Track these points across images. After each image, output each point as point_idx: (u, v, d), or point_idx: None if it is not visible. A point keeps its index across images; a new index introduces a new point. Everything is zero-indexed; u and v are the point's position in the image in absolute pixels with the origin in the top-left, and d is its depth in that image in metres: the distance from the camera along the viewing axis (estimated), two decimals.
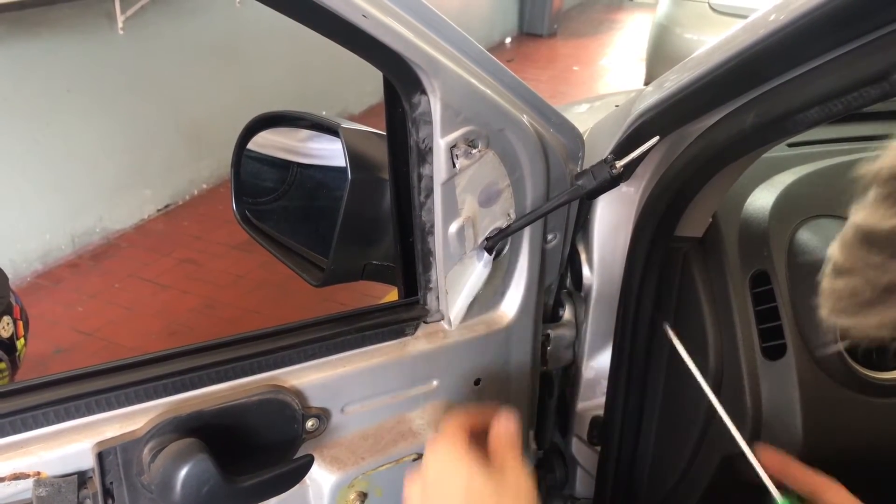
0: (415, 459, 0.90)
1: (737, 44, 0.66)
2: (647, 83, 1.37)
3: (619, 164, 0.80)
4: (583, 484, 1.17)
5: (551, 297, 1.04)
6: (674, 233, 0.93)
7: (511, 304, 0.95)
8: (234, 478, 0.72)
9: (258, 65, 4.60)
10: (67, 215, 3.75)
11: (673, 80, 0.78)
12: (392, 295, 1.00)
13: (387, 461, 0.88)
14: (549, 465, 1.17)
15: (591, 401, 1.09)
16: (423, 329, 0.91)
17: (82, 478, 0.74)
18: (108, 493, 0.74)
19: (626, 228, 0.97)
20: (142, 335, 3.24)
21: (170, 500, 0.70)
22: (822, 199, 1.00)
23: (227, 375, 0.80)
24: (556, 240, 0.96)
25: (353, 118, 3.27)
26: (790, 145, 1.15)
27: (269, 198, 1.17)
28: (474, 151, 0.81)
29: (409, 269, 0.92)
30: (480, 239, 0.88)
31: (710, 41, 0.73)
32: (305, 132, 1.14)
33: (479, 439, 0.70)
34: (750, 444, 0.85)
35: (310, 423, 0.84)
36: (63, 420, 0.73)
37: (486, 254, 0.89)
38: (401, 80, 0.77)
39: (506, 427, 0.71)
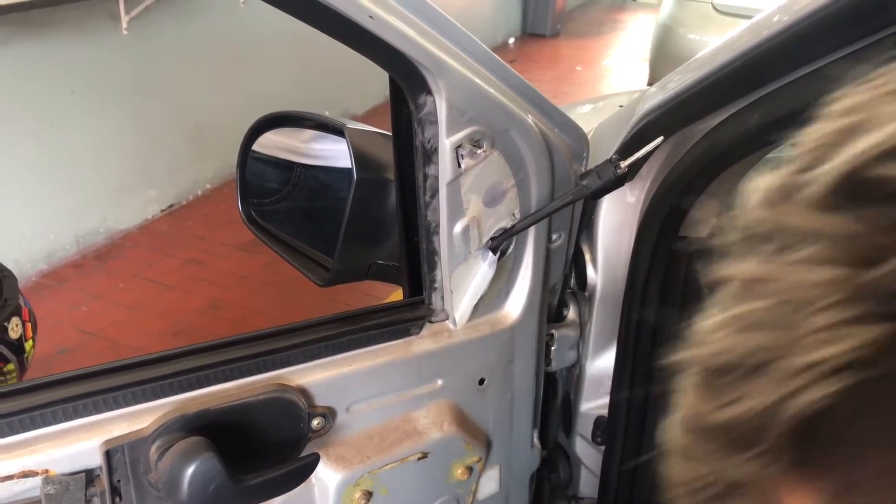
0: (419, 458, 0.90)
1: (741, 44, 0.66)
2: (650, 84, 1.36)
3: (624, 164, 0.81)
4: (587, 484, 1.17)
5: (555, 297, 1.04)
6: (678, 233, 0.93)
7: (515, 303, 0.95)
8: (241, 476, 0.73)
9: (262, 65, 4.61)
10: (72, 215, 3.76)
11: (677, 81, 0.79)
12: (396, 295, 1.00)
13: (392, 460, 0.88)
14: (552, 465, 1.17)
15: (595, 401, 1.10)
16: (427, 328, 0.91)
17: (90, 476, 0.74)
18: (115, 491, 0.74)
19: (630, 228, 0.97)
20: (146, 335, 3.24)
21: (177, 498, 0.71)
22: None
23: (233, 374, 0.80)
24: (561, 240, 0.96)
25: (356, 118, 3.27)
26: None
27: (274, 198, 1.18)
28: (479, 151, 0.82)
29: (415, 268, 0.93)
30: (485, 239, 0.88)
31: (714, 42, 0.74)
32: (309, 133, 1.14)
33: None
34: None
35: (315, 422, 0.84)
36: (71, 418, 0.73)
37: (490, 254, 0.89)
38: (406, 81, 0.77)
39: None
